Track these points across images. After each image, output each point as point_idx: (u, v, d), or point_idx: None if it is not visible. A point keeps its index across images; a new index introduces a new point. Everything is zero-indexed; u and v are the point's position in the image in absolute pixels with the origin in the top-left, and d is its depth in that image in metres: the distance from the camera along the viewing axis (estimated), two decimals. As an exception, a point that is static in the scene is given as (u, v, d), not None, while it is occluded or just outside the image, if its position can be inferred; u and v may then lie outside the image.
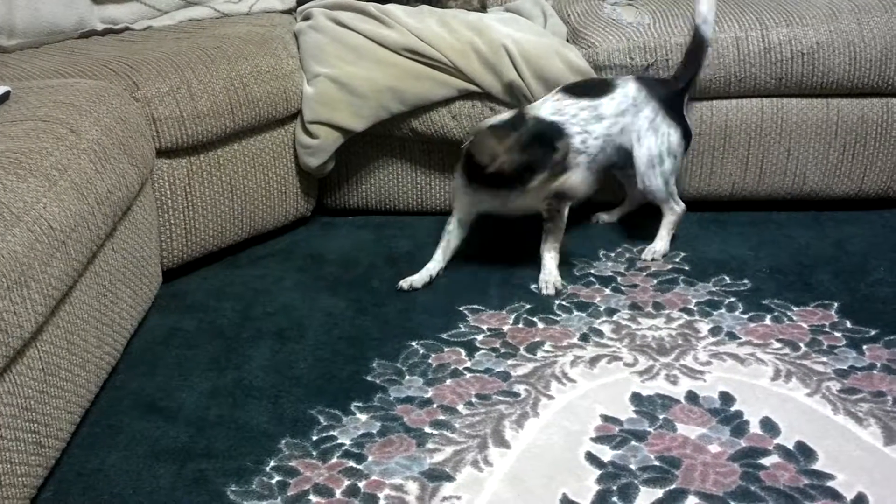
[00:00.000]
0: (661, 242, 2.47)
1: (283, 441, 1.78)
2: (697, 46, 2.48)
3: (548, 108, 2.33)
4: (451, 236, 2.38)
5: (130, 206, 2.07)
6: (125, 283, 2.03)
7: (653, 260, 2.44)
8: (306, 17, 2.63)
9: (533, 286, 2.33)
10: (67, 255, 1.67)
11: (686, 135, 2.44)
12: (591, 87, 2.39)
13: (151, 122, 2.22)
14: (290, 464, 1.72)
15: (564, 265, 2.41)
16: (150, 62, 2.29)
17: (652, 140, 2.37)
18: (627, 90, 2.39)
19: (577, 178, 2.19)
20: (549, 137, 2.19)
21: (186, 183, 2.32)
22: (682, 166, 2.53)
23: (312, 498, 1.63)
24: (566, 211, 2.33)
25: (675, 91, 2.44)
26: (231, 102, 2.34)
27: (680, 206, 2.47)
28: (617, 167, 2.49)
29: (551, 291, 2.28)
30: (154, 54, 2.34)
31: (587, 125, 2.33)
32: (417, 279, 2.35)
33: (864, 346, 2.04)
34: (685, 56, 2.50)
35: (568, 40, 2.66)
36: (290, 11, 2.83)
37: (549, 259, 2.34)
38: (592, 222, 2.68)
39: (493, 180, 2.20)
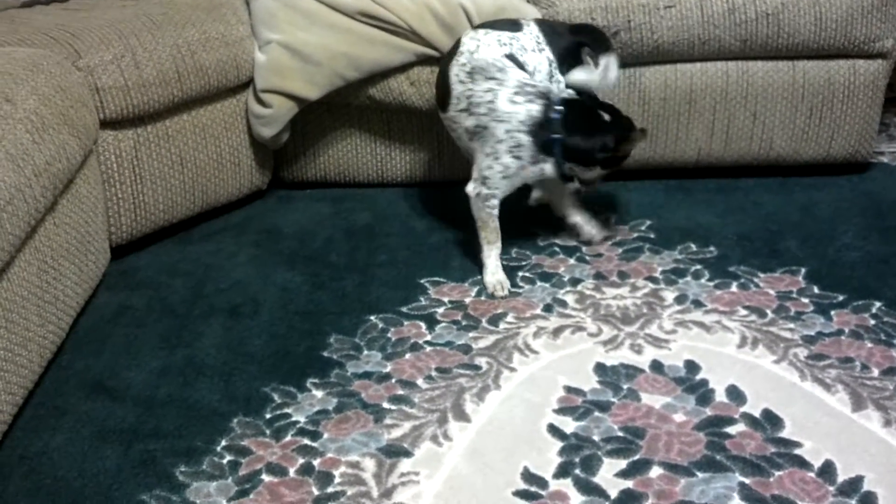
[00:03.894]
0: (589, 225, 2.35)
1: (235, 420, 1.72)
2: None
3: (490, 41, 2.19)
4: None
5: (73, 178, 1.99)
6: (69, 260, 1.95)
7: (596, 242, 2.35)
8: (257, -17, 2.54)
9: (495, 257, 2.28)
10: (2, 229, 1.59)
11: None
12: (503, 24, 2.26)
13: (94, 91, 2.14)
14: (243, 443, 1.66)
15: (529, 234, 2.36)
16: (92, 30, 2.20)
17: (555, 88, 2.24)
18: (532, 29, 2.26)
19: None
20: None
21: (133, 155, 2.24)
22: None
23: (265, 477, 1.58)
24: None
25: (567, 41, 2.28)
26: (178, 71, 2.26)
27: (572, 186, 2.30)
28: None
29: (505, 293, 2.13)
30: (97, 22, 2.25)
31: (521, 55, 2.20)
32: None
33: (832, 312, 2.01)
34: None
35: (528, 0, 2.59)
36: (241, -23, 2.74)
37: (488, 258, 2.18)
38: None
39: None
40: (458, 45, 2.21)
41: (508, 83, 2.09)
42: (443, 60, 2.28)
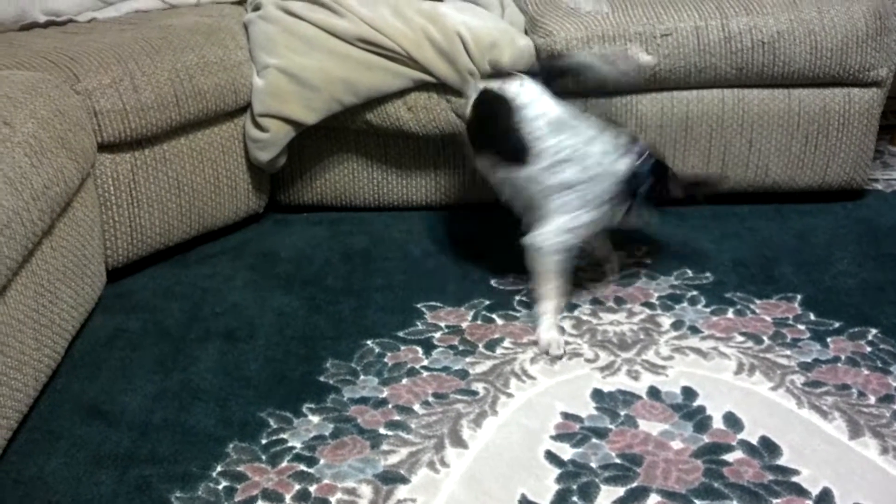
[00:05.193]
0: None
1: (231, 445, 1.71)
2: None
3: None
4: None
5: (70, 202, 1.99)
6: (66, 283, 1.95)
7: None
8: (256, 7, 2.55)
9: (493, 281, 2.28)
10: (0, 253, 1.58)
11: None
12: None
13: (93, 115, 2.13)
14: (238, 468, 1.65)
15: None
16: (91, 53, 2.20)
17: None
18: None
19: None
20: None
21: (131, 178, 2.24)
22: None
23: (261, 504, 1.57)
24: None
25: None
26: (177, 95, 2.26)
27: None
28: None
29: (560, 352, 2.01)
30: (96, 45, 2.25)
31: None
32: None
33: (828, 339, 2.01)
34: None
35: (526, 30, 2.61)
36: (240, 2, 2.74)
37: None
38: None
39: None
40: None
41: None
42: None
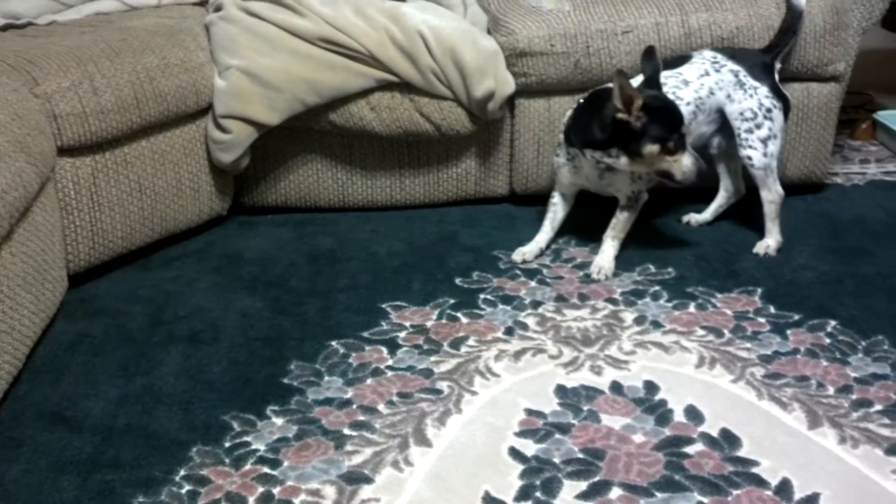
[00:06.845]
0: (771, 237, 2.42)
1: (195, 449, 1.71)
2: (791, 16, 2.48)
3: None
4: (557, 208, 2.45)
5: (30, 206, 1.97)
6: (26, 289, 1.93)
7: (766, 255, 2.38)
8: (217, 8, 2.54)
9: (458, 280, 2.28)
10: (-44, 259, 1.57)
11: (782, 101, 2.42)
12: (669, 62, 2.41)
13: (52, 118, 2.12)
14: (202, 472, 1.65)
15: (490, 258, 2.38)
16: (50, 56, 2.19)
17: (741, 94, 2.37)
18: (703, 55, 2.42)
19: (687, 161, 2.19)
20: (674, 113, 2.19)
21: (92, 182, 2.22)
22: (784, 145, 2.50)
23: (224, 507, 1.57)
24: (641, 204, 2.35)
25: (760, 58, 2.44)
26: (137, 97, 2.25)
27: (778, 192, 2.41)
28: (715, 146, 2.51)
29: (602, 277, 2.29)
30: (55, 48, 2.24)
31: (675, 91, 2.33)
32: (529, 251, 2.40)
33: (788, 331, 2.04)
34: (779, 26, 2.50)
35: (489, 29, 2.62)
36: (202, 3, 2.73)
37: (610, 246, 2.34)
38: (684, 224, 2.58)
39: (603, 142, 2.19)
40: None
41: None
42: None
